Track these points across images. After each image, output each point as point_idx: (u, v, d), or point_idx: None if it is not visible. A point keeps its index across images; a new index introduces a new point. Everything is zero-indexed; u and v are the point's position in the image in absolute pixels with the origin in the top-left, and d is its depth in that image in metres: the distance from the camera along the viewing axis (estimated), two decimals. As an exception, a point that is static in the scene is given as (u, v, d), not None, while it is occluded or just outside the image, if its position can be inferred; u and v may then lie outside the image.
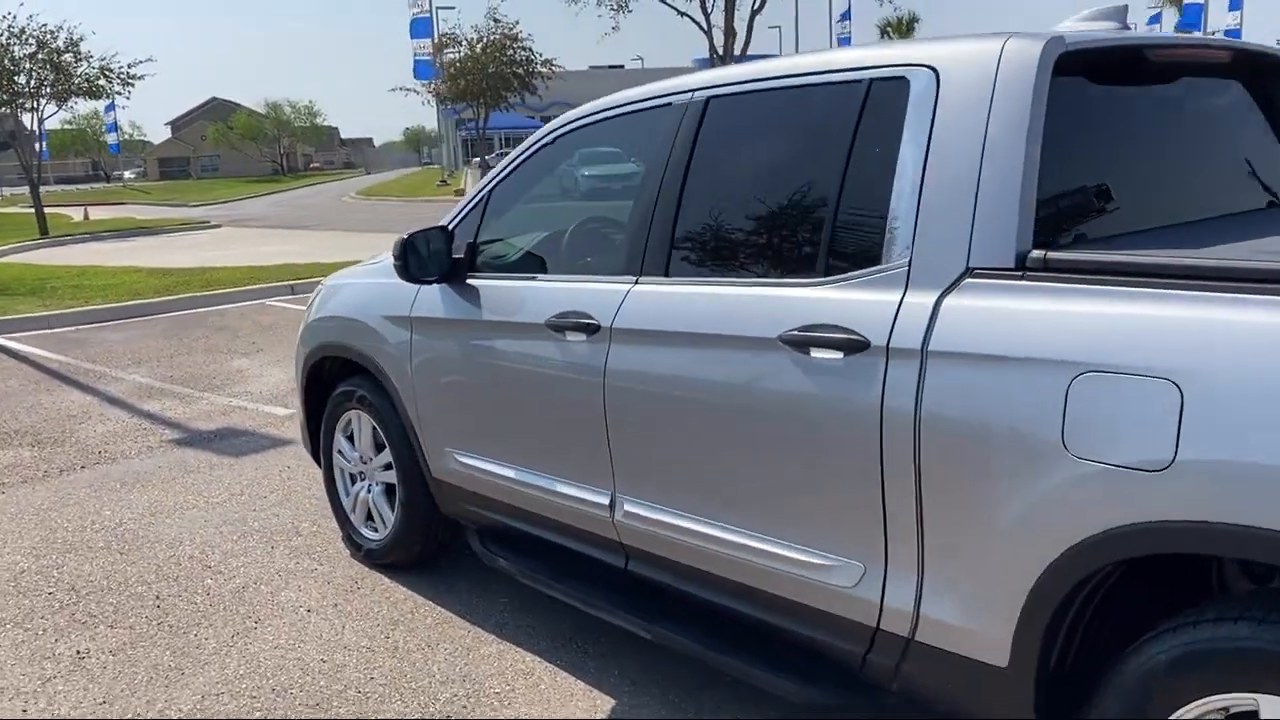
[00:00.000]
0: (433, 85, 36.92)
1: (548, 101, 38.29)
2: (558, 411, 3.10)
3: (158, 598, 3.98)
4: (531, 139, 3.43)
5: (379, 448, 4.07)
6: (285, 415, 6.74)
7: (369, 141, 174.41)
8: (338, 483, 4.34)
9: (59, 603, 3.97)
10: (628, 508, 2.92)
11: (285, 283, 12.79)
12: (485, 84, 34.00)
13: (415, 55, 38.45)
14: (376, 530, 4.15)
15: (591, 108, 3.25)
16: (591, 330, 2.95)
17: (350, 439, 4.23)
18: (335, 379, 4.29)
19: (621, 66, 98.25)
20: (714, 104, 2.83)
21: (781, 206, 2.67)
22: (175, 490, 5.27)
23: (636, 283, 2.90)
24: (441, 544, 4.06)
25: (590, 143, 3.41)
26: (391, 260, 3.86)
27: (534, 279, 3.30)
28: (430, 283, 3.49)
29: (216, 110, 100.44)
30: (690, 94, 2.90)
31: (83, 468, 5.77)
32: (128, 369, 8.51)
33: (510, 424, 3.31)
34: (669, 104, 2.96)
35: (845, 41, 51.73)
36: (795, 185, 2.65)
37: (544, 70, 34.79)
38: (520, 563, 3.42)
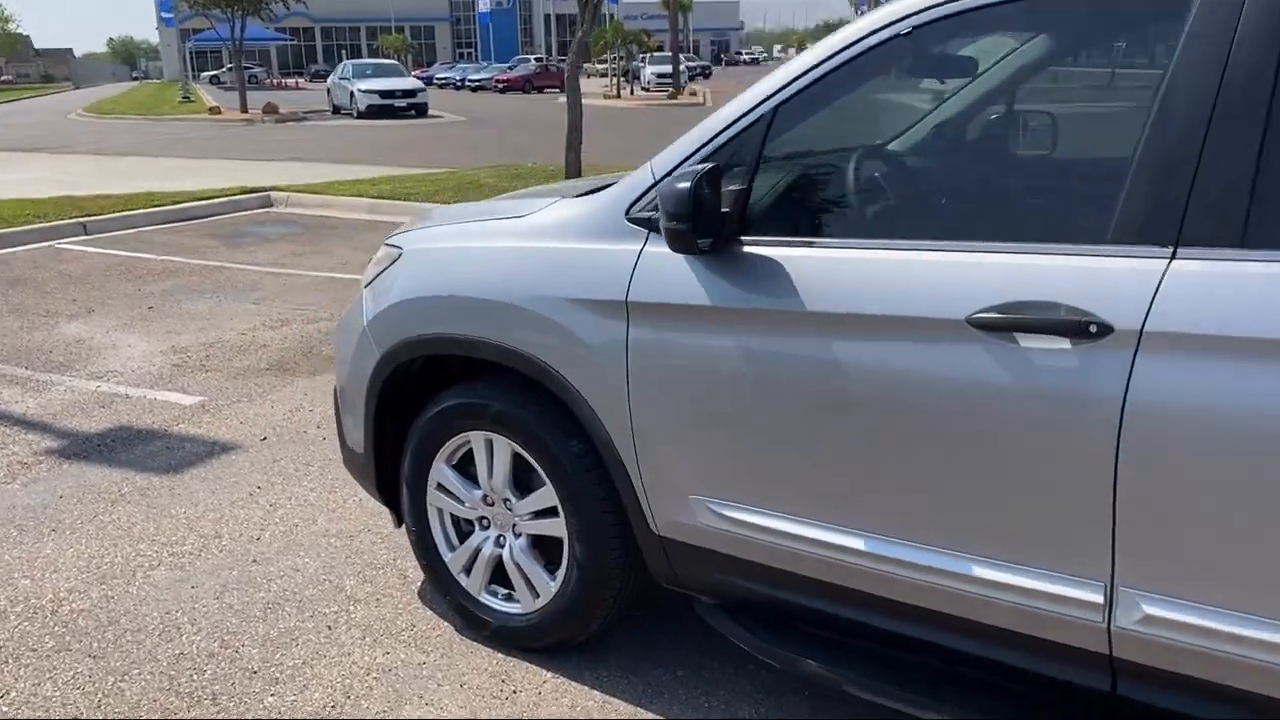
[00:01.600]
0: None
1: (282, 12, 34.88)
2: (988, 456, 2.01)
3: (207, 739, 2.59)
4: (857, 29, 2.22)
5: (523, 485, 2.81)
6: (194, 404, 5.14)
7: (69, 52, 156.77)
8: (435, 531, 3.02)
9: (45, 766, 2.50)
10: (1148, 610, 1.89)
11: (74, 220, 10.47)
12: (243, -11, 30.40)
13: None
14: (516, 600, 2.90)
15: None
16: (1089, 333, 1.86)
17: (461, 470, 2.92)
18: (425, 386, 2.97)
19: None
20: None
21: None
22: (108, 536, 3.71)
23: (1174, 256, 1.83)
24: (620, 619, 2.88)
25: (978, 33, 2.27)
26: (591, 214, 2.60)
27: (893, 246, 2.14)
28: (703, 251, 2.26)
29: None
30: None
31: (-65, 503, 4.05)
32: (-85, 343, 6.46)
33: (866, 470, 2.16)
34: None
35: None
36: None
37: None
38: (851, 671, 2.32)
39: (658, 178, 2.43)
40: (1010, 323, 1.94)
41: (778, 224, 2.31)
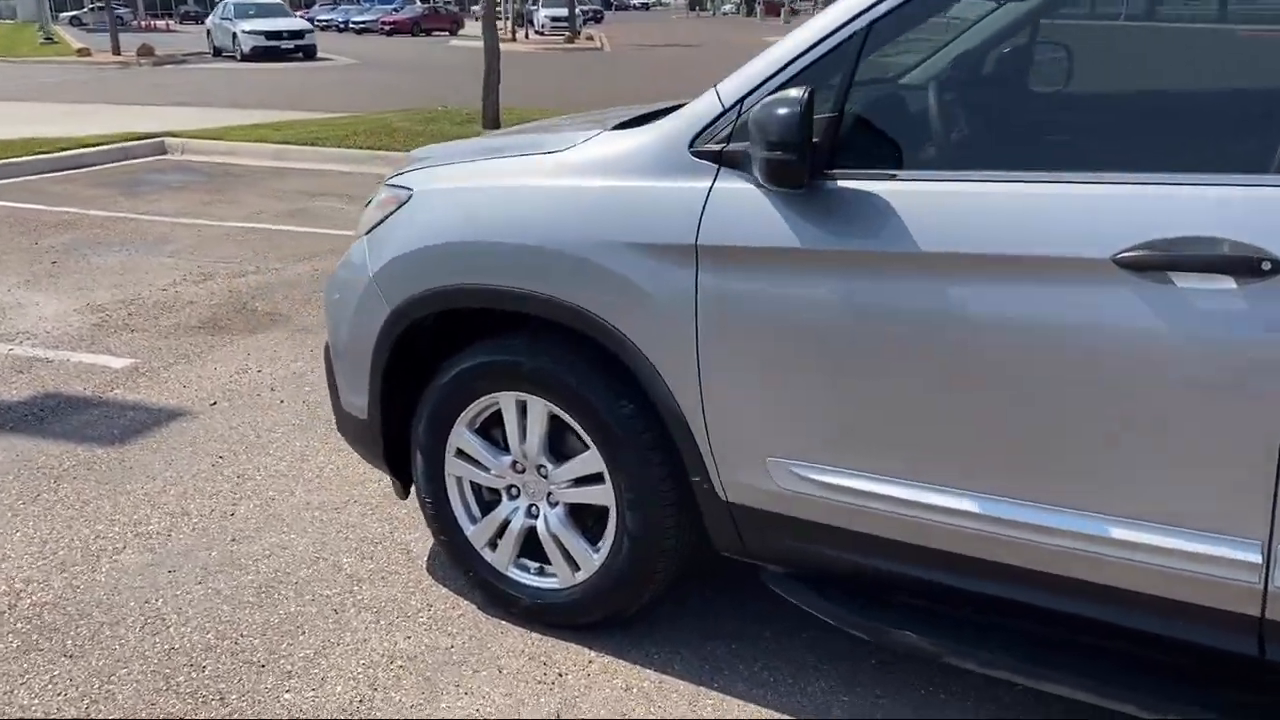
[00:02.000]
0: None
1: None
2: (1133, 408, 1.84)
3: (225, 747, 2.29)
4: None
5: (559, 450, 2.55)
6: (126, 367, 4.69)
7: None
8: (454, 503, 2.75)
9: (38, 789, 2.18)
10: (1311, 568, 1.76)
11: (-50, 168, 9.64)
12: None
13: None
14: (551, 574, 2.65)
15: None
16: (1260, 271, 1.70)
17: (485, 434, 2.65)
18: (436, 344, 2.68)
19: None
20: None
21: None
22: (59, 516, 3.32)
23: None
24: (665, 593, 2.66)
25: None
26: (646, 147, 2.33)
27: (1019, 179, 1.93)
28: (801, 185, 2.01)
29: None
30: None
31: None
32: None
33: (987, 427, 1.97)
34: None
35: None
36: None
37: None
38: (951, 640, 2.15)
39: (727, 105, 2.18)
40: (1165, 261, 1.76)
41: (876, 155, 2.09)
